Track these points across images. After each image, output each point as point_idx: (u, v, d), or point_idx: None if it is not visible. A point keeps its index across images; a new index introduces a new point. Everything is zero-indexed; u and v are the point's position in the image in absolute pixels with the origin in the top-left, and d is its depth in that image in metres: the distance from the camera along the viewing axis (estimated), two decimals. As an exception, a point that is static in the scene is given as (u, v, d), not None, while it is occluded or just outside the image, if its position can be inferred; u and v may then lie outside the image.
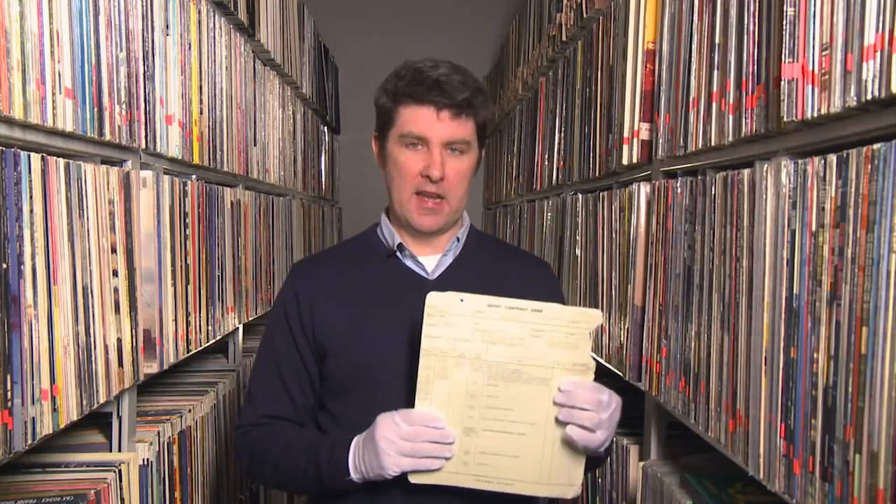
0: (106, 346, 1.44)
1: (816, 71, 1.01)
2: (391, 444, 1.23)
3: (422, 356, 1.26)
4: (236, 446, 1.47)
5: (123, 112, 1.55)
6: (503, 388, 1.25)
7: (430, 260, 1.46)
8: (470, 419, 1.25)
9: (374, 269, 1.46)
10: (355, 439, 1.30)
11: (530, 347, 1.25)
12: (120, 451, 1.62)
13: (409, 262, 1.45)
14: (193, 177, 2.08)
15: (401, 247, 1.45)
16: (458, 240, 1.48)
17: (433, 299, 1.25)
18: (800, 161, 1.05)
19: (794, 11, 1.06)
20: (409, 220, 1.41)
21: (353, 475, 1.28)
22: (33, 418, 1.18)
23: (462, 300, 1.25)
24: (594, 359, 1.27)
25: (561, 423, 1.25)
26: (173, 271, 1.86)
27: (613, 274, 1.94)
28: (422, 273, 1.44)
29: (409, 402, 1.28)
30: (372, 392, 1.37)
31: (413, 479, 1.26)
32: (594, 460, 1.38)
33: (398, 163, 1.40)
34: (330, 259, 1.53)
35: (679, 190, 1.49)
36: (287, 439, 1.39)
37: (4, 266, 1.10)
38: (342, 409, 1.42)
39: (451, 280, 1.41)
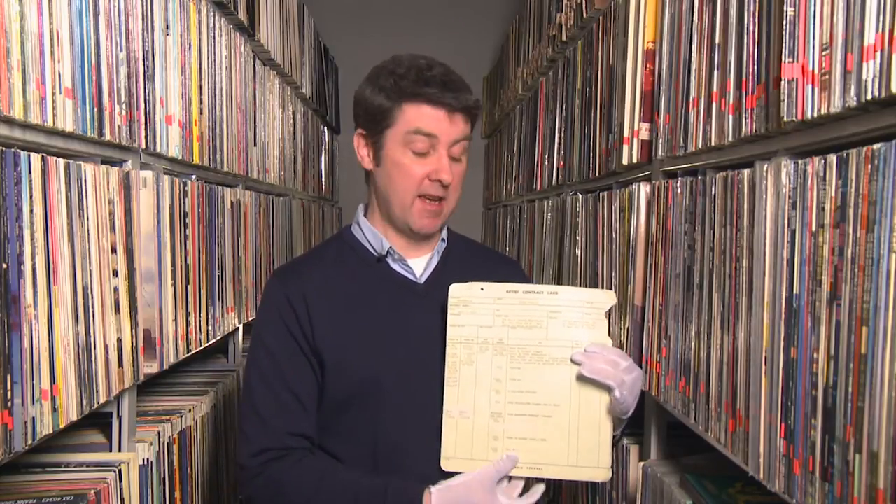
0: (106, 346, 1.44)
1: (816, 71, 1.01)
2: None
3: (448, 344, 1.31)
4: (253, 481, 1.31)
5: (123, 112, 1.55)
6: (526, 371, 1.29)
7: (418, 262, 1.45)
8: (497, 403, 1.29)
9: (363, 275, 1.42)
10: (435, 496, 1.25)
11: (549, 329, 1.30)
12: (120, 451, 1.62)
13: (396, 267, 1.43)
14: (193, 177, 2.08)
15: (390, 251, 1.43)
16: (443, 241, 1.48)
17: (456, 290, 1.32)
18: (800, 161, 1.05)
19: (794, 11, 1.06)
20: (409, 223, 1.39)
21: None
22: (33, 418, 1.18)
23: (482, 289, 1.31)
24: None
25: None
26: (173, 271, 1.86)
27: (613, 274, 1.94)
28: (410, 277, 1.43)
29: (418, 411, 1.31)
30: (379, 405, 1.34)
31: (446, 467, 1.29)
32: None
33: (402, 165, 1.36)
34: (313, 266, 1.44)
35: (679, 190, 1.49)
36: (331, 485, 1.29)
37: (4, 266, 1.10)
38: (345, 426, 1.37)
39: (440, 282, 1.41)
